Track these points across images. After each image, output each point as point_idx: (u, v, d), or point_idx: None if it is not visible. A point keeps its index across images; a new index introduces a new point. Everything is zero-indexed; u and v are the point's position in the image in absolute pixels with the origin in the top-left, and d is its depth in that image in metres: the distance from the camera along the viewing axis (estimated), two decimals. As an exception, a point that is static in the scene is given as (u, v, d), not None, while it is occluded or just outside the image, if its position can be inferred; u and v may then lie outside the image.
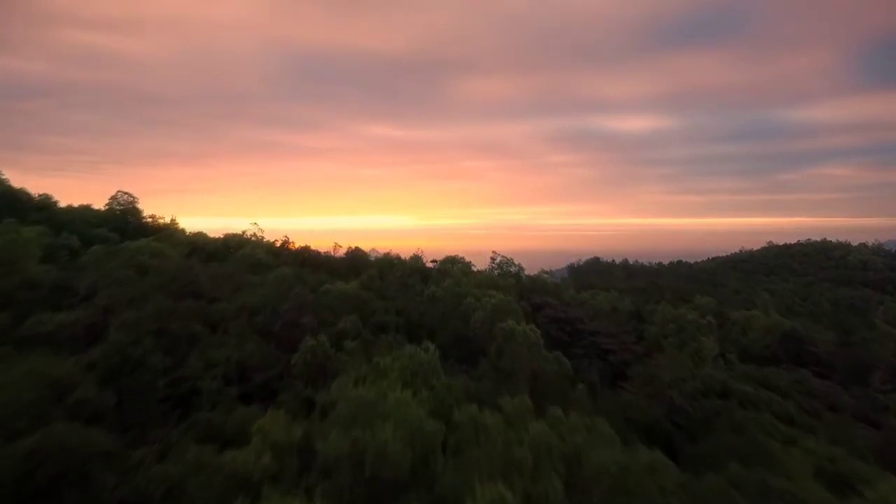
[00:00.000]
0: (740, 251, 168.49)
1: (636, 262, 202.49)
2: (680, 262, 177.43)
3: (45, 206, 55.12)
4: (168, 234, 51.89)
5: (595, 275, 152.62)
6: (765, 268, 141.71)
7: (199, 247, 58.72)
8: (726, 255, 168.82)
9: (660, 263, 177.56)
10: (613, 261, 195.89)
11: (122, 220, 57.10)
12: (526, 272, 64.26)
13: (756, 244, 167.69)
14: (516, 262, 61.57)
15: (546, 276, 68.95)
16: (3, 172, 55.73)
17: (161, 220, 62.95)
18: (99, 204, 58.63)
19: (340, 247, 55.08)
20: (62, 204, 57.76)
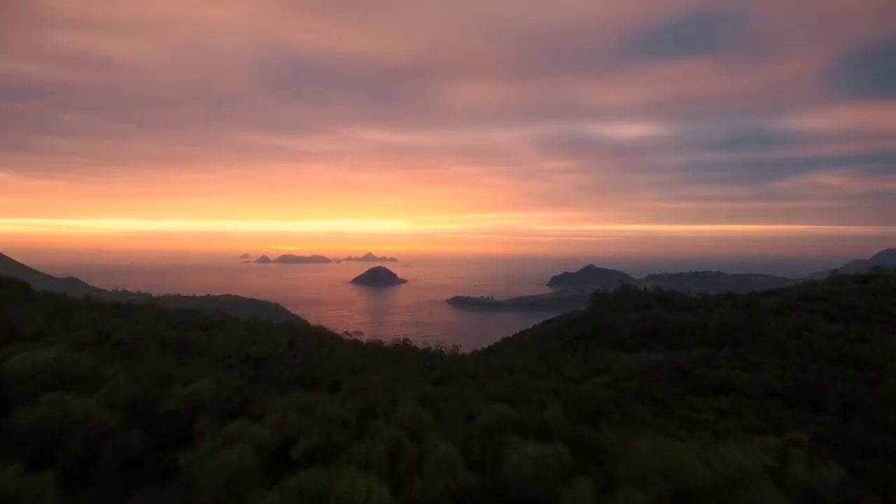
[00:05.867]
0: (804, 282, 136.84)
1: (661, 286, 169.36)
2: (730, 294, 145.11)
3: None
4: None
5: (638, 311, 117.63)
6: (852, 312, 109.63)
7: None
8: (788, 289, 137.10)
9: (695, 296, 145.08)
10: (645, 288, 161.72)
11: None
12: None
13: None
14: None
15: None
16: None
17: None
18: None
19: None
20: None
